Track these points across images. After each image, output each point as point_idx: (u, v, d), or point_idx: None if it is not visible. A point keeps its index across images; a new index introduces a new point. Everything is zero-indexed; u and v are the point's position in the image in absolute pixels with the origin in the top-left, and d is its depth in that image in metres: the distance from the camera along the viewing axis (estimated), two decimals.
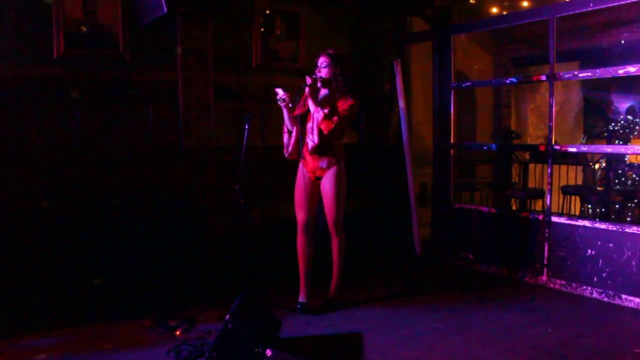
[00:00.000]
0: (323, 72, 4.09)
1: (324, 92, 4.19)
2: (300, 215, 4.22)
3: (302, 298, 4.27)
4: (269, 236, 4.50)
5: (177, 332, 3.77)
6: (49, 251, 4.43)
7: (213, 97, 5.04)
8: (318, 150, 4.10)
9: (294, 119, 4.12)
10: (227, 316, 3.27)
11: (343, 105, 4.03)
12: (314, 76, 4.09)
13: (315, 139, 4.03)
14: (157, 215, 4.81)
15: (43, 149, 4.46)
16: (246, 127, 4.09)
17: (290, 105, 4.07)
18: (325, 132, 3.98)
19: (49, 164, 4.48)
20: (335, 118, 3.97)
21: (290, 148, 4.20)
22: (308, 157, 4.17)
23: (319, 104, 4.06)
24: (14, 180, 4.36)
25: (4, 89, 4.29)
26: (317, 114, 3.99)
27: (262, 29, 5.51)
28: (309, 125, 4.09)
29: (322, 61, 4.10)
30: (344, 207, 4.19)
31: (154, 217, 4.80)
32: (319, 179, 4.17)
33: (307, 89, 4.03)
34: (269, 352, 2.83)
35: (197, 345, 3.52)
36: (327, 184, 4.12)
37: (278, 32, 5.62)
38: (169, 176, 4.97)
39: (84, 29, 4.51)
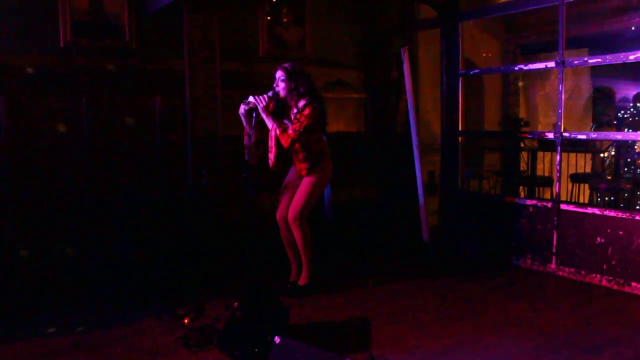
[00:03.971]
0: (280, 86, 4.18)
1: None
2: (277, 210, 4.42)
3: (292, 278, 4.52)
4: (276, 222, 4.53)
5: (185, 320, 3.78)
6: (57, 239, 4.46)
7: (220, 86, 5.03)
8: (278, 165, 4.24)
9: (252, 125, 4.18)
10: (236, 304, 3.28)
11: (300, 117, 4.09)
12: (269, 94, 4.14)
13: (272, 156, 4.18)
14: (165, 204, 4.82)
15: (50, 138, 4.47)
16: (254, 115, 4.08)
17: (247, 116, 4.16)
18: (285, 146, 4.08)
19: (56, 153, 4.49)
20: (291, 132, 4.04)
21: (249, 152, 4.26)
22: (295, 160, 4.34)
23: (275, 119, 4.12)
24: (21, 169, 4.37)
25: (10, 78, 4.30)
26: (272, 132, 4.11)
27: (269, 17, 5.48)
28: (269, 143, 4.19)
29: (279, 75, 4.19)
30: (310, 208, 4.31)
31: (161, 206, 4.81)
32: (301, 176, 4.33)
33: (260, 107, 4.07)
34: (277, 340, 2.83)
35: (206, 333, 3.52)
36: (304, 182, 4.28)
37: (285, 19, 5.59)
38: (177, 165, 4.97)
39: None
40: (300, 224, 4.25)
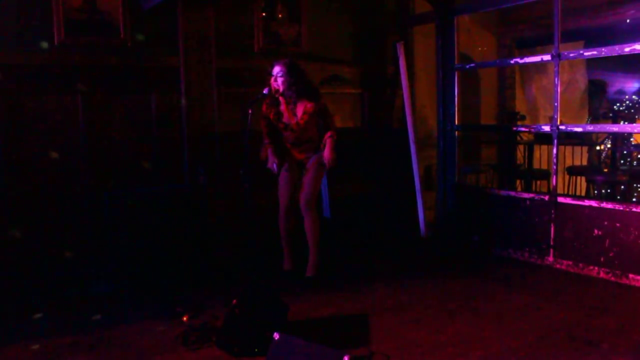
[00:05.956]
0: (279, 81, 4.22)
1: (300, 106, 4.32)
2: (282, 201, 4.52)
3: (286, 266, 4.63)
4: (273, 219, 4.53)
5: (184, 318, 3.77)
6: (54, 238, 4.45)
7: (216, 83, 5.02)
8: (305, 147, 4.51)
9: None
10: (234, 301, 3.28)
11: (324, 115, 4.39)
12: (265, 92, 4.24)
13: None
14: (162, 201, 4.80)
15: (46, 136, 4.45)
16: (249, 111, 4.07)
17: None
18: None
19: (52, 151, 4.48)
20: (333, 133, 4.37)
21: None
22: (294, 152, 4.50)
23: (328, 141, 4.39)
24: (17, 168, 4.36)
25: (5, 77, 4.27)
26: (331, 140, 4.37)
27: (264, 13, 5.46)
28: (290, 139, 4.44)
29: (277, 70, 4.23)
30: (318, 190, 4.47)
31: (158, 203, 4.79)
32: (302, 165, 4.48)
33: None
34: (276, 336, 2.83)
35: (205, 330, 3.52)
36: (310, 167, 4.41)
37: (279, 15, 5.57)
38: (174, 163, 4.96)
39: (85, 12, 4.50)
40: (314, 209, 4.36)
